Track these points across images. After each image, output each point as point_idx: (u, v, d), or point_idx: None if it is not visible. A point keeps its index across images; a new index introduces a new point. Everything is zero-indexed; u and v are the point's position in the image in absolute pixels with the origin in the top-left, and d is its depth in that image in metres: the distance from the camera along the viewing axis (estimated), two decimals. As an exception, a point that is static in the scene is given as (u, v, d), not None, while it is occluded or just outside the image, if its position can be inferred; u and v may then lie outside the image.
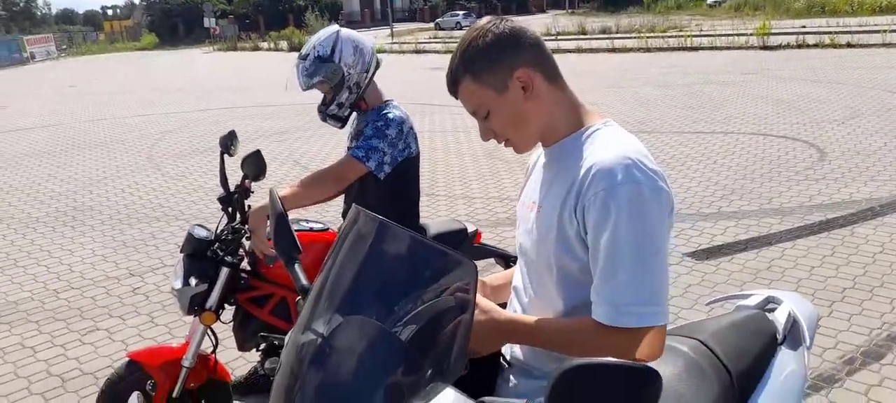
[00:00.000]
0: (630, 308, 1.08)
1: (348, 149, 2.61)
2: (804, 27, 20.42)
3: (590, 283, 1.15)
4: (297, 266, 1.39)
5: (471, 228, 2.74)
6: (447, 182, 6.36)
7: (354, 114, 2.46)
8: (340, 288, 1.21)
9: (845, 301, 3.44)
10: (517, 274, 1.39)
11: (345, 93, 2.33)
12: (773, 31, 18.45)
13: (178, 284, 2.22)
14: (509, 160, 7.06)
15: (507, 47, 1.21)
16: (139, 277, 4.42)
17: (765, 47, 17.21)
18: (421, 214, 2.60)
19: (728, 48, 18.06)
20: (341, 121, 2.42)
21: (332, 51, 2.29)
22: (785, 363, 1.55)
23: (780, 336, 1.60)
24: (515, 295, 1.39)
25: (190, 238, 2.27)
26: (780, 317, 1.64)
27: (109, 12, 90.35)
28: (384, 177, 2.30)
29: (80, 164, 8.22)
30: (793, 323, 1.65)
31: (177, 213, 5.85)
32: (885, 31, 16.28)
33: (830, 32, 17.78)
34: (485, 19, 1.25)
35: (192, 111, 12.71)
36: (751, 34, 18.76)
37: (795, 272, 3.83)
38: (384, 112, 2.34)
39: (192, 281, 2.21)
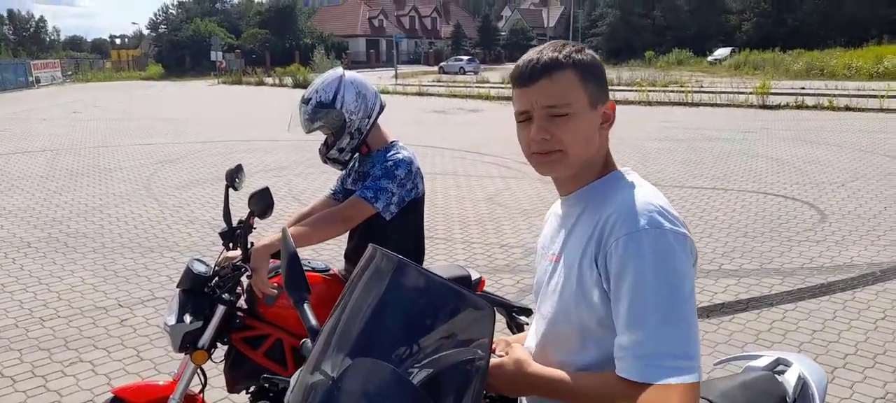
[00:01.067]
0: (658, 360, 1.00)
1: (334, 193, 2.60)
2: (803, 89, 20.70)
3: (610, 337, 1.09)
4: (306, 305, 1.37)
5: (475, 275, 2.69)
6: (447, 226, 6.33)
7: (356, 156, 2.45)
8: (353, 328, 1.17)
9: (847, 367, 3.37)
10: (533, 326, 1.34)
11: (346, 139, 2.32)
12: (772, 90, 18.70)
13: (172, 320, 2.16)
14: (509, 206, 7.04)
15: (604, 76, 1.23)
16: (128, 309, 4.34)
17: (764, 106, 17.41)
18: (425, 255, 2.56)
19: (728, 105, 18.27)
20: (342, 165, 2.41)
21: (335, 96, 2.29)
22: None
23: (789, 399, 1.58)
24: (532, 350, 1.33)
25: (188, 272, 2.21)
26: (790, 379, 1.62)
27: (118, 41, 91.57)
28: (390, 217, 2.27)
29: (78, 190, 8.18)
30: (802, 386, 1.63)
31: (172, 244, 5.79)
32: (882, 97, 16.50)
33: (829, 95, 18.01)
34: (573, 43, 1.23)
35: (193, 142, 12.74)
36: (751, 93, 19.00)
37: (797, 335, 3.77)
38: (392, 152, 2.32)
39: (187, 318, 2.14)
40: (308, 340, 1.28)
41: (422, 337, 1.09)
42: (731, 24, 52.59)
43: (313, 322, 1.32)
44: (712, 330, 3.86)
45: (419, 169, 2.36)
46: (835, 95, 17.97)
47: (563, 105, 1.15)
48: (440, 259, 5.27)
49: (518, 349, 1.19)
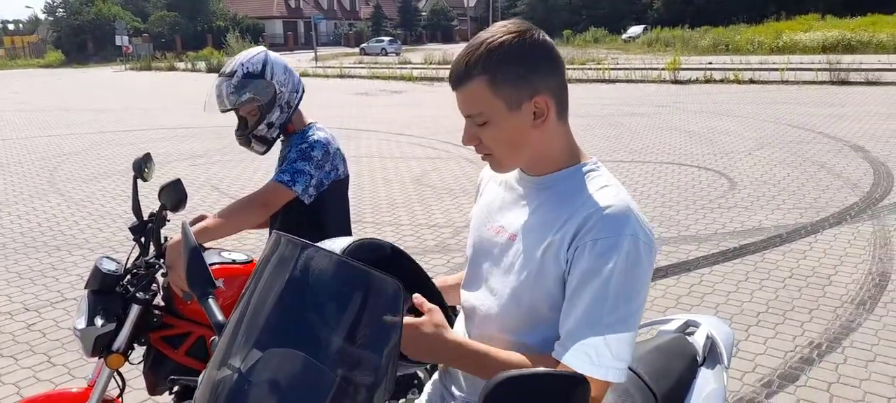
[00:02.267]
0: (604, 360, 1.06)
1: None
2: (710, 63, 21.74)
3: (555, 321, 1.12)
4: (211, 300, 1.31)
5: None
6: (374, 209, 6.25)
7: (280, 139, 2.34)
8: (260, 319, 1.12)
9: (760, 325, 3.58)
10: (471, 295, 1.30)
11: (276, 112, 2.21)
12: (683, 66, 19.54)
13: (82, 324, 2.01)
14: (437, 186, 7.03)
15: (538, 65, 1.13)
16: (36, 312, 4.05)
17: (676, 81, 18.18)
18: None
19: (642, 81, 18.96)
20: (268, 145, 2.29)
21: (263, 67, 2.18)
22: (706, 382, 1.62)
23: (700, 358, 1.69)
24: (468, 317, 1.32)
25: (96, 272, 2.06)
26: (699, 339, 1.73)
27: (10, 27, 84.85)
28: (310, 200, 2.19)
29: (-29, 188, 7.55)
30: (711, 345, 1.74)
31: (80, 242, 5.44)
32: (782, 70, 17.57)
33: (734, 69, 19.00)
34: (517, 22, 1.16)
35: (99, 132, 12.02)
36: (663, 69, 19.79)
37: (713, 297, 3.97)
38: (308, 134, 2.24)
39: (98, 321, 2.00)
40: (216, 337, 1.22)
41: (332, 321, 1.06)
42: (643, 2, 54.45)
43: (219, 317, 1.27)
44: (636, 297, 3.99)
45: (339, 150, 2.29)
46: (740, 69, 18.99)
47: (479, 115, 1.15)
48: (369, 243, 5.20)
49: (437, 314, 1.14)
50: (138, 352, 2.18)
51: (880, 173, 6.85)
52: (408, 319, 1.09)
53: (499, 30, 1.14)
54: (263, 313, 1.12)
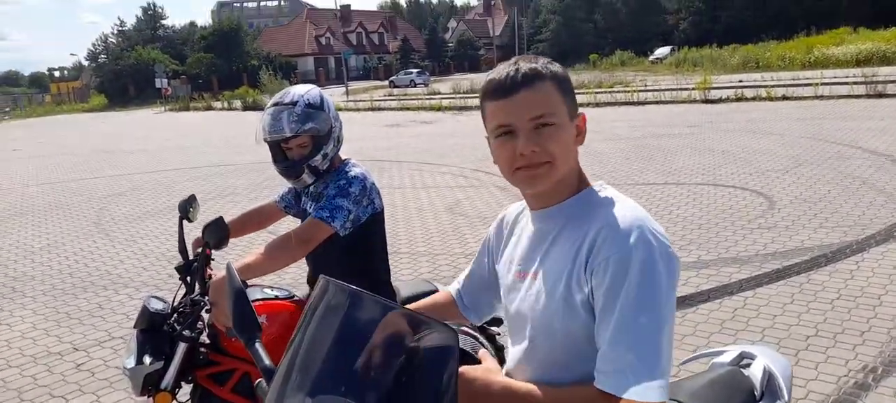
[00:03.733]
0: (639, 379, 1.03)
1: (285, 205, 2.56)
2: (741, 81, 21.46)
3: (594, 349, 1.11)
4: (258, 344, 1.30)
5: (442, 290, 2.66)
6: (409, 240, 6.29)
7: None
8: (310, 366, 1.12)
9: (810, 349, 3.47)
10: (515, 347, 1.31)
11: (330, 145, 2.26)
12: (713, 85, 19.32)
13: (131, 363, 2.06)
14: (470, 215, 7.05)
15: (573, 89, 1.22)
16: (84, 351, 4.16)
17: (706, 101, 17.97)
18: (390, 271, 2.52)
19: (672, 102, 18.78)
20: (318, 176, 2.30)
21: (322, 101, 2.24)
22: None
23: (757, 393, 1.60)
24: (513, 363, 1.32)
25: (144, 311, 2.12)
26: (755, 373, 1.64)
27: (57, 74, 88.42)
28: (346, 235, 2.22)
29: (21, 231, 7.83)
30: (769, 378, 1.65)
31: (126, 281, 5.58)
32: (816, 85, 17.23)
33: (766, 86, 18.71)
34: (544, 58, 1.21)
35: (142, 173, 12.37)
36: (693, 88, 19.58)
37: (759, 321, 3.87)
38: (345, 170, 2.28)
39: (147, 359, 2.05)
40: (263, 381, 1.22)
41: (384, 368, 1.05)
42: (668, 23, 54.22)
43: (267, 361, 1.26)
44: (678, 323, 3.92)
45: (374, 184, 2.32)
46: (772, 85, 18.68)
47: (550, 114, 1.14)
48: (405, 273, 5.22)
49: (488, 359, 1.18)
50: (185, 390, 2.22)
51: (927, 187, 6.64)
52: (463, 368, 1.11)
53: (531, 57, 1.20)
54: (314, 360, 1.11)
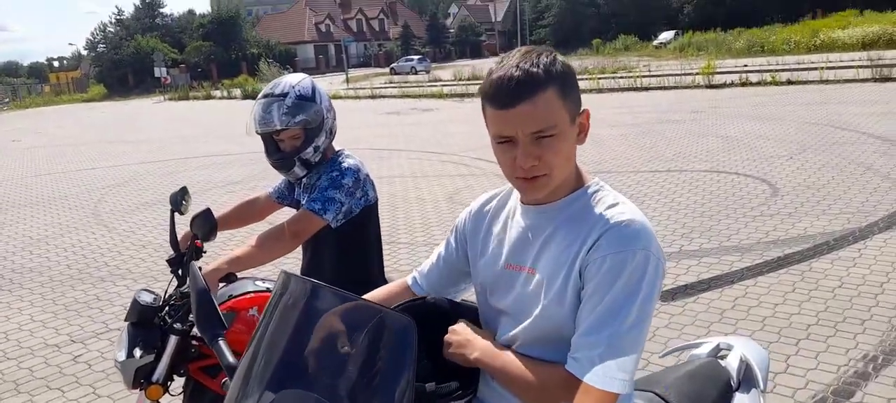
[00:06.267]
0: (609, 371, 1.08)
1: (278, 195, 2.52)
2: (746, 66, 21.30)
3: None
4: (221, 341, 1.32)
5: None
6: (408, 229, 6.26)
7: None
8: (273, 360, 1.13)
9: (811, 338, 3.44)
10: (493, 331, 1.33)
11: (322, 137, 2.22)
12: (717, 70, 19.18)
13: (122, 356, 2.04)
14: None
15: (577, 83, 1.18)
16: (82, 343, 4.15)
17: (711, 86, 17.84)
18: (383, 264, 2.49)
19: (675, 87, 18.66)
20: (310, 169, 2.26)
21: (313, 92, 2.20)
22: None
23: (734, 383, 1.65)
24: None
25: (135, 304, 2.10)
26: (732, 363, 1.69)
27: (55, 64, 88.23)
28: (338, 226, 2.18)
29: (20, 223, 7.81)
30: (746, 368, 1.70)
31: (124, 272, 5.56)
32: (821, 69, 17.10)
33: (771, 70, 18.58)
34: (546, 50, 1.16)
35: (141, 163, 12.35)
36: (697, 73, 19.45)
37: (760, 310, 3.83)
38: (338, 162, 2.24)
39: (137, 352, 2.03)
40: (228, 379, 1.22)
41: (345, 360, 1.06)
42: (672, 7, 53.80)
43: (230, 359, 1.28)
44: (678, 312, 3.89)
45: (368, 175, 2.28)
46: (776, 70, 18.57)
47: (549, 127, 1.11)
48: (404, 264, 5.19)
49: (461, 324, 1.26)
50: (178, 383, 2.20)
51: (931, 172, 6.57)
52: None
53: (532, 49, 1.16)
54: (276, 354, 1.12)
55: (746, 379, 1.67)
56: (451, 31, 73.91)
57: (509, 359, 1.19)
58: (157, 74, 40.64)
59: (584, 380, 1.08)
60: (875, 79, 15.55)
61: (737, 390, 1.63)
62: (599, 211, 1.17)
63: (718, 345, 1.78)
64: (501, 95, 1.11)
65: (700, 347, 1.81)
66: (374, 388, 1.02)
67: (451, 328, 1.25)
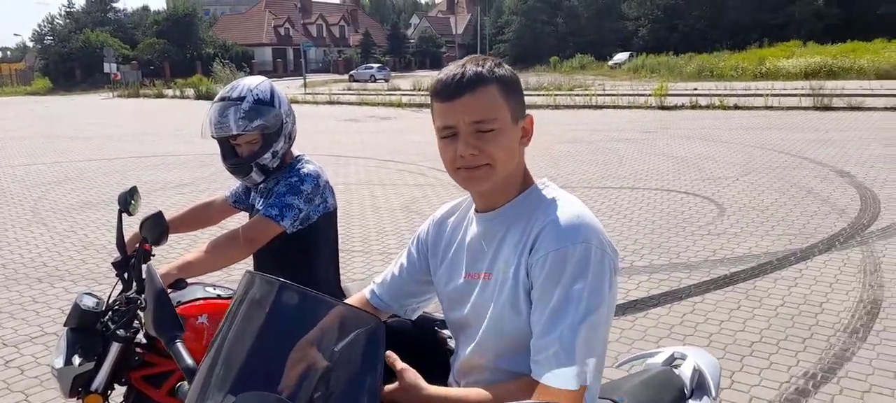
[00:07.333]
0: (561, 367, 1.08)
1: (235, 199, 2.46)
2: (696, 89, 22.00)
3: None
4: (179, 343, 1.29)
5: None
6: (363, 238, 6.20)
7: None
8: (234, 362, 1.09)
9: (754, 355, 3.54)
10: (459, 350, 1.32)
11: (281, 142, 2.17)
12: (669, 92, 19.74)
13: (60, 363, 1.94)
14: (426, 214, 6.96)
15: (522, 92, 1.25)
16: (14, 347, 3.94)
17: (662, 107, 18.34)
18: (340, 272, 2.45)
19: (629, 107, 19.12)
20: (267, 174, 2.21)
21: (272, 95, 2.14)
22: None
23: (687, 390, 1.71)
24: (458, 370, 1.32)
25: (76, 308, 2.00)
26: (686, 372, 1.75)
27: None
28: (294, 232, 2.14)
29: (-48, 218, 7.41)
30: (699, 377, 1.76)
31: (63, 273, 5.33)
32: (766, 96, 17.79)
33: (720, 95, 19.23)
34: (492, 58, 1.22)
35: (86, 160, 11.90)
36: (650, 95, 19.98)
37: (706, 326, 3.93)
38: (297, 167, 2.19)
39: (76, 360, 1.93)
40: (184, 383, 1.19)
41: (310, 362, 1.03)
42: (628, 30, 55.26)
43: (189, 361, 1.24)
44: (628, 326, 3.96)
45: (328, 182, 2.25)
46: (725, 95, 19.21)
47: (490, 120, 1.16)
48: (358, 273, 5.13)
49: (409, 373, 1.14)
50: (118, 392, 2.11)
51: (866, 198, 6.90)
52: (387, 387, 1.10)
53: (478, 58, 1.22)
54: (238, 356, 1.08)
55: (699, 387, 1.73)
56: (412, 41, 74.12)
57: (464, 391, 1.17)
58: (106, 70, 39.26)
59: (540, 382, 1.08)
60: (816, 108, 16.27)
61: (690, 397, 1.68)
62: (542, 208, 1.19)
63: (673, 354, 1.84)
64: (447, 89, 1.17)
65: (655, 356, 1.87)
66: (340, 389, 1.00)
67: (399, 378, 1.16)
